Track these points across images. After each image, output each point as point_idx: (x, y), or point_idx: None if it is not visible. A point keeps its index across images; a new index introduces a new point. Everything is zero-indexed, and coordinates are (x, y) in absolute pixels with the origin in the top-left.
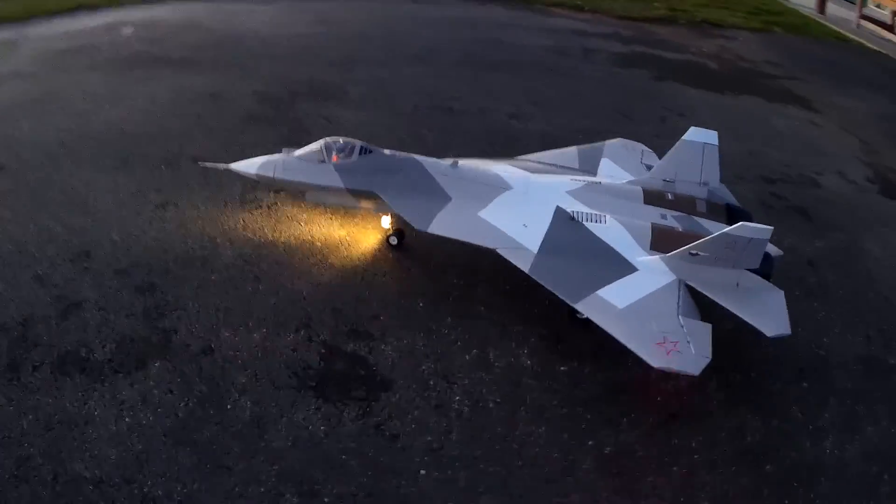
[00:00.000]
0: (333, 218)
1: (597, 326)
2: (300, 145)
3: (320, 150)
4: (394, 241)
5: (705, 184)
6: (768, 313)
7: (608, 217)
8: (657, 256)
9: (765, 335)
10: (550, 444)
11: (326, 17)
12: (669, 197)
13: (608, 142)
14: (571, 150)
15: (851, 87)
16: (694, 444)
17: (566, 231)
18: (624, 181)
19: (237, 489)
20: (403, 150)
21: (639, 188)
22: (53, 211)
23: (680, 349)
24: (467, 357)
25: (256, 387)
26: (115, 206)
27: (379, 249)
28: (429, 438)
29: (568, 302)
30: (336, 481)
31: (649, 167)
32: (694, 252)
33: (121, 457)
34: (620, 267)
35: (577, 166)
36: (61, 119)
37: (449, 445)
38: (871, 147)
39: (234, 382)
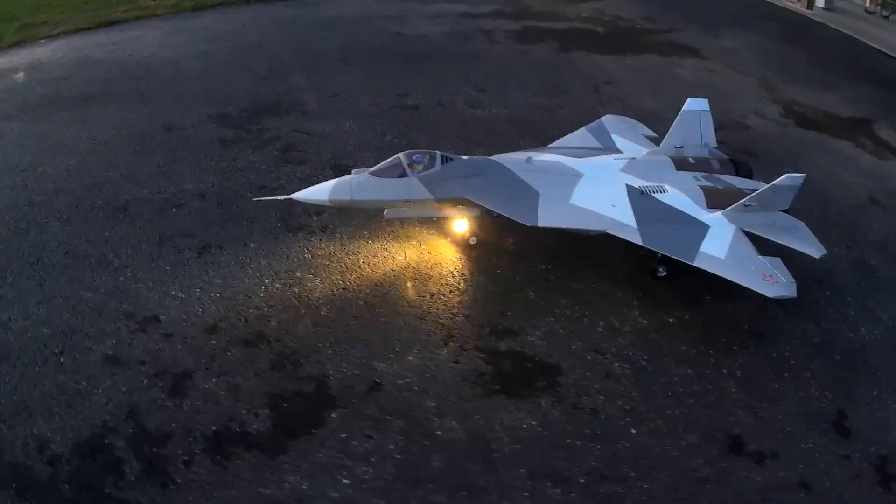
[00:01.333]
0: (394, 230)
1: (672, 279)
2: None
3: (400, 165)
4: (473, 241)
5: (706, 145)
6: (805, 240)
7: (667, 186)
8: (719, 213)
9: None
10: (700, 380)
11: (215, 32)
12: (691, 161)
13: (603, 119)
14: (582, 132)
15: (724, 30)
16: (787, 353)
17: (645, 204)
18: (645, 153)
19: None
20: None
21: (666, 158)
22: (74, 276)
23: (776, 280)
24: (599, 329)
25: (448, 405)
26: (145, 260)
27: (459, 254)
28: (619, 403)
29: (685, 261)
30: (576, 463)
31: (651, 138)
32: (748, 203)
33: None
34: (699, 226)
35: (598, 145)
36: (8, 178)
37: (637, 403)
38: (767, 84)
39: (424, 407)
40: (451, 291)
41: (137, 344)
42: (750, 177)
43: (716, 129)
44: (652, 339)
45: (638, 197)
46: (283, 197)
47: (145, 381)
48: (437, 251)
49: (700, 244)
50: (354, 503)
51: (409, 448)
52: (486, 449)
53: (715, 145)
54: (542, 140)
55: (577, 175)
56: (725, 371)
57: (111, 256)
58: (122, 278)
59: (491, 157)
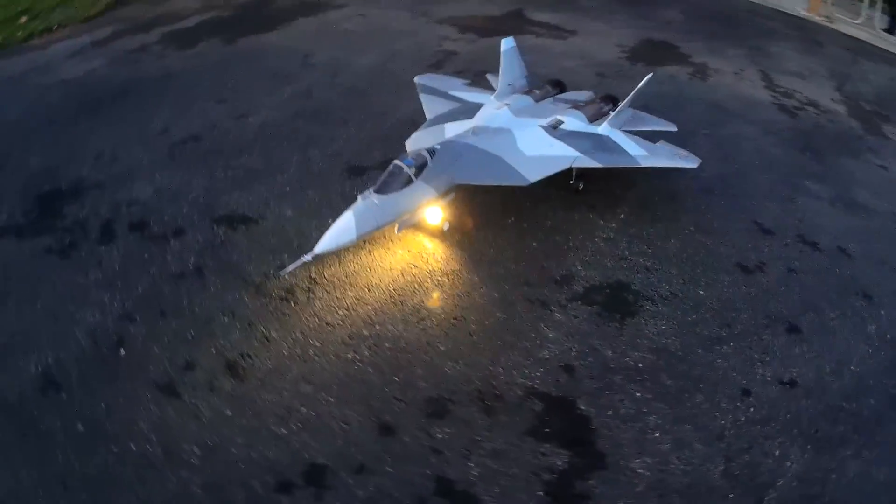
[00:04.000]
0: (369, 252)
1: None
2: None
3: (403, 172)
4: (447, 227)
5: (526, 76)
6: (676, 153)
7: (562, 116)
8: (605, 124)
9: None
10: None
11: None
12: (537, 92)
13: (420, 80)
14: (427, 99)
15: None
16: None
17: (565, 135)
18: (501, 98)
19: None
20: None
21: (525, 96)
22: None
23: (685, 154)
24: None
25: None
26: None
27: (451, 245)
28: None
29: (632, 166)
30: None
31: (468, 84)
32: (622, 108)
33: None
34: (607, 138)
35: (455, 106)
36: None
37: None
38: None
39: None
40: (478, 301)
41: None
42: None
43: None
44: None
45: (556, 132)
46: (306, 257)
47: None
48: (434, 253)
49: (626, 150)
50: None
51: None
52: None
53: (527, 74)
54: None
55: (508, 131)
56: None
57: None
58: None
59: (455, 140)
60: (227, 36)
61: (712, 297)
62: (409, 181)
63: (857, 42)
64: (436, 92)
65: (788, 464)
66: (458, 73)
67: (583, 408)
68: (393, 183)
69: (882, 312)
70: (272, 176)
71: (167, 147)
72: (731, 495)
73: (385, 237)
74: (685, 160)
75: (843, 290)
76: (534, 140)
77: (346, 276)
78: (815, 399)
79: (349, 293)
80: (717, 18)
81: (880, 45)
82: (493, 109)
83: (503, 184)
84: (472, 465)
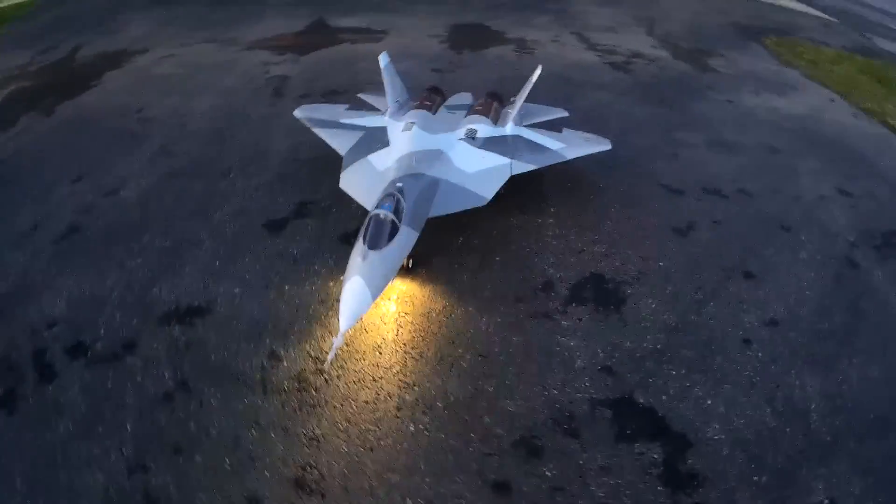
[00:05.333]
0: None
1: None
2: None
3: (385, 222)
4: (410, 263)
5: (408, 89)
6: (583, 139)
7: (470, 126)
8: (510, 124)
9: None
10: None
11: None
12: (427, 104)
13: (299, 113)
14: (328, 133)
15: None
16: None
17: (488, 144)
18: (409, 114)
19: None
20: None
21: (421, 111)
22: None
23: (596, 138)
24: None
25: None
26: None
27: (426, 287)
28: None
29: (559, 161)
30: None
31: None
32: (520, 105)
33: None
34: (520, 138)
35: (362, 134)
36: None
37: None
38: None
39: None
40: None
41: None
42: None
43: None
44: None
45: (475, 142)
46: (340, 339)
47: None
48: (414, 294)
49: (545, 146)
50: None
51: None
52: None
53: (408, 87)
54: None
55: (439, 152)
56: None
57: None
58: None
59: (407, 174)
60: (42, 107)
61: (671, 265)
62: (395, 228)
63: None
64: (326, 123)
65: (809, 388)
66: (305, 97)
67: (641, 401)
68: (382, 235)
69: (802, 238)
70: (188, 252)
71: (49, 246)
72: (787, 429)
73: (333, 298)
74: (599, 143)
75: (765, 228)
76: (466, 156)
77: (347, 346)
78: (796, 330)
79: (363, 362)
80: None
81: None
82: (402, 131)
83: (467, 208)
84: (594, 487)
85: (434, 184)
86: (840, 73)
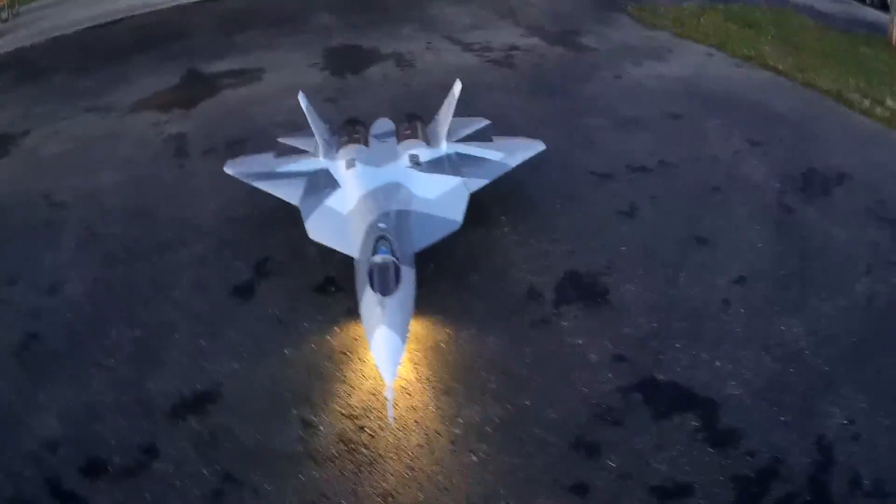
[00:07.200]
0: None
1: None
2: None
3: (390, 268)
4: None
5: (328, 123)
6: (517, 144)
7: (412, 151)
8: (444, 143)
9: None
10: None
11: None
12: (356, 136)
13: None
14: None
15: None
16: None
17: (434, 166)
18: (343, 150)
19: None
20: None
21: (356, 145)
22: None
23: (529, 141)
24: None
25: None
26: None
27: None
28: None
29: (505, 171)
30: None
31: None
32: (449, 122)
33: None
34: (459, 154)
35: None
36: None
37: None
38: None
39: None
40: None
41: None
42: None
43: None
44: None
45: (422, 167)
46: (391, 391)
47: None
48: (412, 331)
49: (486, 157)
50: None
51: None
52: None
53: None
54: None
55: (398, 184)
56: None
57: None
58: None
59: (382, 213)
60: None
61: (631, 248)
62: (398, 270)
63: None
64: (263, 175)
65: (794, 330)
66: (209, 152)
67: (661, 377)
68: (389, 280)
69: (735, 196)
70: (166, 338)
71: (12, 360)
72: (790, 370)
73: (337, 351)
74: (533, 146)
75: (698, 194)
76: (421, 183)
77: (374, 396)
78: (763, 280)
79: (398, 408)
80: (362, 6)
81: None
82: (346, 169)
83: (445, 235)
84: (657, 465)
85: (407, 218)
86: (708, 25)
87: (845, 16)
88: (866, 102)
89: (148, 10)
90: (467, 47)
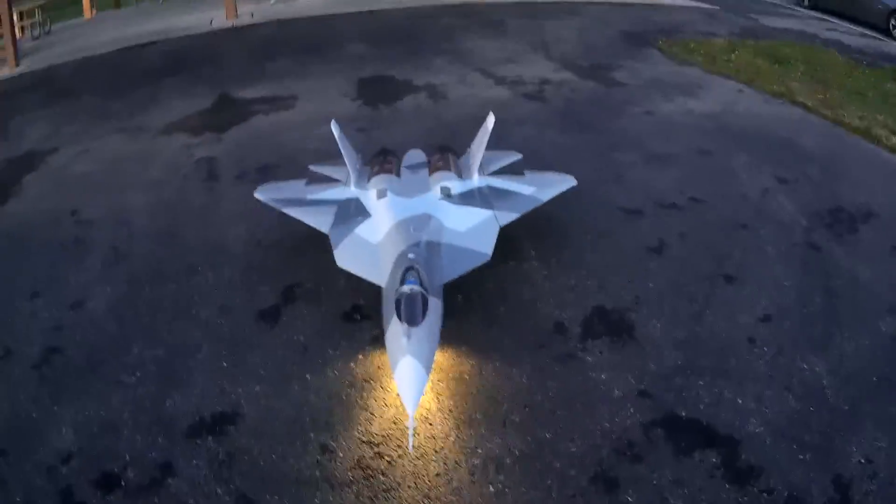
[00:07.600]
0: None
1: None
2: None
3: (417, 298)
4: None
5: (360, 152)
6: (549, 179)
7: (444, 183)
8: (475, 175)
9: None
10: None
11: None
12: (388, 167)
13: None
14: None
15: None
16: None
17: (466, 199)
18: (374, 179)
19: None
20: None
21: (387, 175)
22: None
23: (561, 176)
24: None
25: None
26: None
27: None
28: None
29: (537, 206)
30: None
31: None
32: (482, 155)
33: None
34: (491, 187)
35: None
36: None
37: None
38: None
39: None
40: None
41: None
42: None
43: None
44: None
45: (453, 199)
46: (412, 422)
47: None
48: (437, 361)
49: (518, 191)
50: None
51: None
52: None
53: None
54: None
55: (429, 216)
56: None
57: None
58: None
59: (412, 244)
60: None
61: (659, 284)
62: (425, 301)
63: (522, 7)
64: (294, 202)
65: (817, 369)
66: (241, 177)
67: (684, 414)
68: (416, 310)
69: (762, 233)
70: (189, 358)
71: (31, 372)
72: (811, 409)
73: (360, 378)
74: (565, 181)
75: (726, 231)
76: (452, 215)
77: (395, 423)
78: (788, 319)
79: (418, 436)
80: (395, 38)
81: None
82: (378, 199)
83: (474, 267)
84: (674, 500)
85: (437, 249)
86: (737, 61)
87: (872, 50)
88: (894, 139)
89: (180, 34)
90: (500, 80)
